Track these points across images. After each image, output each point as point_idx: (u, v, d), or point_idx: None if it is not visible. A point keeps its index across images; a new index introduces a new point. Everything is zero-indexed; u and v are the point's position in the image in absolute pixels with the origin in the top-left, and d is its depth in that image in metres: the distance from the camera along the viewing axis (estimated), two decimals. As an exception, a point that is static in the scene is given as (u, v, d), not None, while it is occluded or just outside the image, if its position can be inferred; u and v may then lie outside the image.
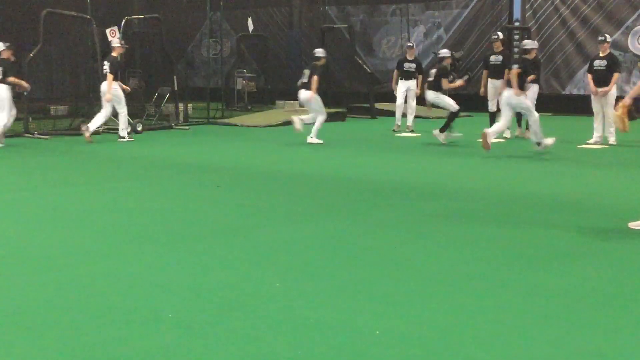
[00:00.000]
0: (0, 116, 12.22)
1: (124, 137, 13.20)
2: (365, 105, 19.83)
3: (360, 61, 21.22)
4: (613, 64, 12.31)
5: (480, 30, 20.86)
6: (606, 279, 4.74)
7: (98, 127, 13.30)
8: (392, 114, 19.12)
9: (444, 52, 12.99)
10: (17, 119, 15.20)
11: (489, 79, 13.57)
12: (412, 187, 8.39)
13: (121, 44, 13.43)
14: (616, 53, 18.98)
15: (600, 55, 12.53)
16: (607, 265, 5.07)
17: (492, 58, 13.62)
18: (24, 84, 12.77)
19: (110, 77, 12.60)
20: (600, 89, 12.24)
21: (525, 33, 20.20)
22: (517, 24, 20.53)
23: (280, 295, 4.38)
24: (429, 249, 5.52)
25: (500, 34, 14.12)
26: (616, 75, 12.24)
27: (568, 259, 5.24)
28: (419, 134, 14.43)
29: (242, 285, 4.58)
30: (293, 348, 3.56)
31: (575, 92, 19.57)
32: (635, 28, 18.74)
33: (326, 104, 20.54)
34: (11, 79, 12.36)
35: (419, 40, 22.22)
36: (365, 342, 3.63)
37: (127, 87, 13.66)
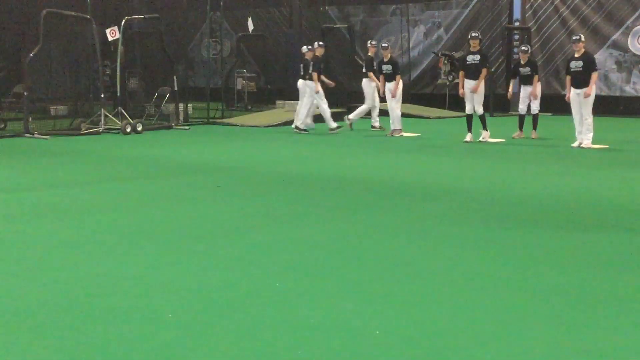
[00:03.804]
0: (321, 105, 14.53)
1: (334, 129, 14.66)
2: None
3: (360, 61, 21.21)
4: (589, 64, 11.96)
5: (480, 30, 20.83)
6: (606, 279, 4.74)
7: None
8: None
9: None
10: (17, 119, 15.24)
11: (466, 80, 13.03)
12: (412, 187, 8.39)
13: (319, 45, 15.00)
14: (616, 53, 19.05)
15: (576, 55, 12.18)
16: (607, 265, 5.07)
17: (470, 58, 13.06)
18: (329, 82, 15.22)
19: (314, 75, 14.44)
20: (579, 90, 11.97)
21: (525, 33, 20.21)
22: (517, 24, 20.53)
23: (280, 295, 4.38)
24: (429, 249, 5.51)
25: (474, 34, 13.28)
26: (594, 75, 11.94)
27: (568, 258, 5.24)
28: (419, 134, 14.43)
29: (242, 285, 4.58)
30: (293, 348, 3.56)
31: (575, 92, 19.55)
32: (635, 28, 18.74)
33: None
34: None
35: (419, 40, 22.23)
36: (365, 342, 3.63)
37: (332, 82, 15.71)
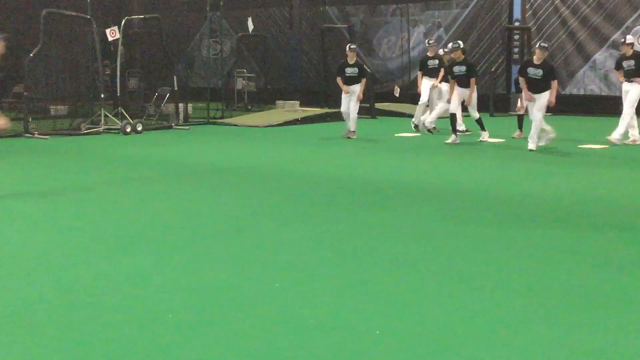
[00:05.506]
0: (439, 105, 14.16)
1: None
2: (365, 105, 19.80)
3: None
4: (549, 73, 11.49)
5: (480, 30, 20.85)
6: (606, 279, 4.75)
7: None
8: (392, 114, 19.10)
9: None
10: (17, 119, 15.23)
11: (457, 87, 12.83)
12: (412, 187, 8.39)
13: (429, 44, 14.99)
14: (616, 53, 19.04)
15: (535, 62, 11.56)
16: (607, 265, 5.07)
17: (456, 69, 12.92)
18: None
19: (419, 74, 14.64)
20: (536, 95, 11.46)
21: (525, 33, 20.21)
22: (517, 24, 20.52)
23: (280, 295, 4.38)
24: (429, 249, 5.51)
25: (455, 45, 13.14)
26: (555, 84, 11.51)
27: (568, 258, 5.24)
28: (418, 134, 14.42)
29: (242, 285, 4.58)
30: (293, 348, 3.56)
31: (575, 92, 19.56)
32: (635, 28, 18.73)
33: (326, 103, 20.71)
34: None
35: (419, 40, 22.21)
36: (365, 342, 3.63)
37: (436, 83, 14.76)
